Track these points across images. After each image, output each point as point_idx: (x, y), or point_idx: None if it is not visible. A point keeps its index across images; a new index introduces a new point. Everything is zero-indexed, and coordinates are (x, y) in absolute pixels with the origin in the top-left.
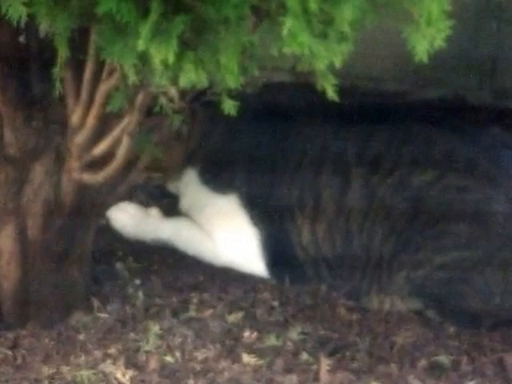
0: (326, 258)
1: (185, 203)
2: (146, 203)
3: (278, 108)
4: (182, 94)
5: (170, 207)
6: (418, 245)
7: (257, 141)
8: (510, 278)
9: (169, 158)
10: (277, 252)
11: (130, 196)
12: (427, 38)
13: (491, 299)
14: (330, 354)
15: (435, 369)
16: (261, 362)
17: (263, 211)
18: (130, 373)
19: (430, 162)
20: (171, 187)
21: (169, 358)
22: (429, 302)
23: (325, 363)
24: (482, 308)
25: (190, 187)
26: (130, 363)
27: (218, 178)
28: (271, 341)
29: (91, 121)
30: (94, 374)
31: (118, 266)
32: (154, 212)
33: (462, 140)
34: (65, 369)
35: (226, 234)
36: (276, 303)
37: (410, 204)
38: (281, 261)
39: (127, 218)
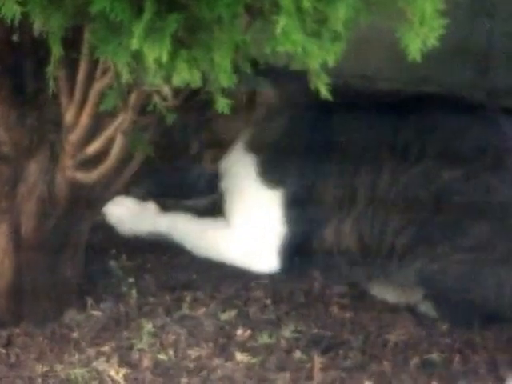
0: (348, 253)
1: (227, 183)
2: (142, 198)
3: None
4: (176, 92)
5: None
6: (438, 239)
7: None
8: None
9: (228, 132)
10: (295, 254)
11: (126, 191)
12: (420, 37)
13: (501, 300)
14: (323, 352)
15: (428, 367)
16: (254, 360)
17: (300, 214)
18: (124, 371)
19: (460, 155)
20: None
21: (162, 356)
22: (431, 294)
23: (318, 361)
24: (490, 307)
25: (241, 170)
26: (124, 361)
27: (271, 172)
28: (264, 339)
29: (85, 119)
30: (88, 371)
31: (112, 264)
32: (151, 206)
33: (492, 131)
34: (58, 367)
35: (251, 225)
36: (269, 301)
37: (435, 197)
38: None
39: (124, 212)
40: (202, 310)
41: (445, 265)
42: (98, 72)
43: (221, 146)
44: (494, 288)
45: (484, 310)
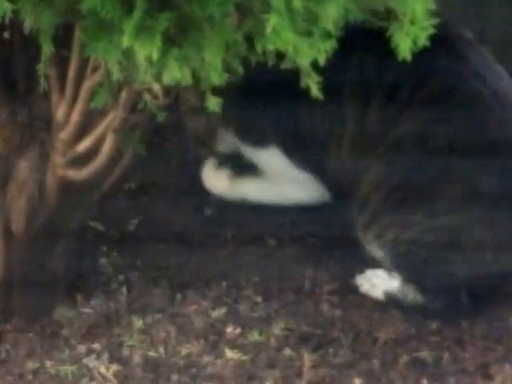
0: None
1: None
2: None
3: None
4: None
5: None
6: (413, 207)
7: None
8: (497, 245)
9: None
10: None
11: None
12: (411, 37)
13: (477, 266)
14: (313, 350)
15: (417, 364)
16: (244, 357)
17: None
18: (114, 367)
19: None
20: (224, 149)
21: (152, 353)
22: (410, 277)
23: (308, 359)
24: (467, 275)
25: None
26: (114, 358)
27: (253, 134)
28: (254, 336)
29: (75, 117)
30: (78, 368)
31: (102, 261)
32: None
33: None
34: (49, 363)
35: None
36: (259, 299)
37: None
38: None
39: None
40: (192, 308)
41: (417, 234)
42: (89, 70)
43: None
44: (474, 255)
45: (466, 278)
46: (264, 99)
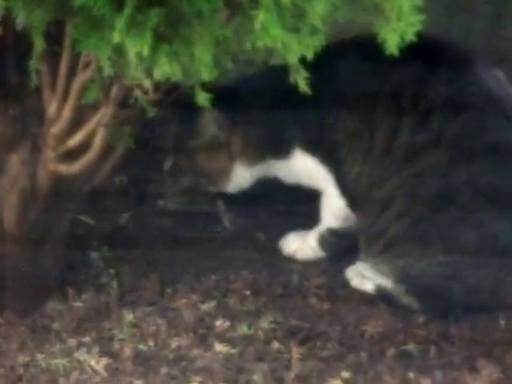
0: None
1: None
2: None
3: None
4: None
5: None
6: (429, 239)
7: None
8: (501, 281)
9: (212, 165)
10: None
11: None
12: (398, 32)
13: (480, 297)
14: (301, 343)
15: (404, 358)
16: (233, 350)
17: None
18: (105, 361)
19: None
20: (228, 189)
21: (142, 346)
22: (414, 292)
23: (296, 352)
24: (470, 305)
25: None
26: (104, 351)
27: (278, 145)
28: (243, 330)
29: (67, 112)
30: (69, 361)
31: (93, 255)
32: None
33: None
34: (40, 357)
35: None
36: (248, 293)
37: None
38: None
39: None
40: (182, 301)
41: (427, 266)
42: (80, 66)
43: None
44: (473, 289)
45: (464, 304)
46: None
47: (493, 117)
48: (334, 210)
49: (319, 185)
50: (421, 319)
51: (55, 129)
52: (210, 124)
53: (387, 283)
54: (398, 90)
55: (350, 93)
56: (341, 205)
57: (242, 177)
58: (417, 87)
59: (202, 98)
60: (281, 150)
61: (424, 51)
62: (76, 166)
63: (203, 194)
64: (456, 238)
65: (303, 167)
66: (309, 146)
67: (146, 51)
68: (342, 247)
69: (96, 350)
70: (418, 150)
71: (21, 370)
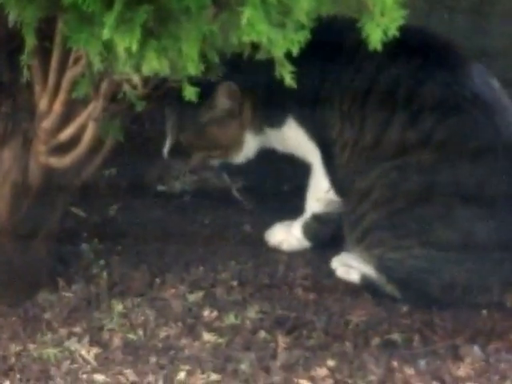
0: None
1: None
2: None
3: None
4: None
5: None
6: (406, 231)
7: None
8: (474, 278)
9: (225, 136)
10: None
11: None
12: (381, 27)
13: (453, 292)
14: (287, 333)
15: (388, 347)
16: (220, 339)
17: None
18: (95, 350)
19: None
20: (238, 159)
21: (132, 336)
22: (392, 280)
23: (282, 341)
24: (444, 297)
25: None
26: (95, 341)
27: (274, 114)
28: (230, 319)
29: (58, 107)
30: (60, 351)
31: (83, 246)
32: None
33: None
34: (31, 346)
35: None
36: (235, 283)
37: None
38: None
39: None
40: (170, 292)
41: (403, 257)
42: (71, 61)
43: None
44: (448, 284)
45: (441, 297)
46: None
47: (477, 116)
48: (318, 192)
49: (308, 158)
50: (405, 308)
51: (46, 123)
52: (223, 96)
53: (371, 272)
54: (390, 86)
55: (346, 78)
56: (325, 187)
57: (252, 146)
58: (409, 85)
59: (189, 93)
60: (276, 117)
61: (415, 46)
62: (67, 159)
63: (211, 171)
64: (432, 233)
65: (294, 136)
66: (301, 118)
67: (134, 47)
68: (326, 235)
69: (86, 339)
70: (404, 145)
71: (12, 360)
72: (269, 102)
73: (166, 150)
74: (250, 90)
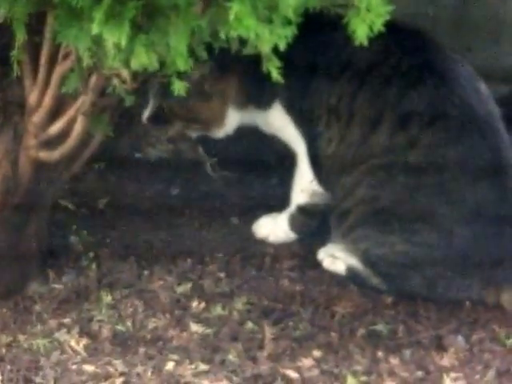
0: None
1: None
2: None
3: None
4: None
5: None
6: (390, 228)
7: None
8: (454, 275)
9: (208, 110)
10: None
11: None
12: (367, 23)
13: (435, 290)
14: (274, 324)
15: (373, 337)
16: (208, 330)
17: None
18: (84, 341)
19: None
20: (217, 134)
21: (121, 327)
22: (377, 273)
23: (269, 332)
24: (426, 293)
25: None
26: (84, 332)
27: (262, 96)
28: (218, 311)
29: (47, 101)
30: (50, 342)
31: (73, 239)
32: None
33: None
34: (21, 337)
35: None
36: (222, 275)
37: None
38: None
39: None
40: (158, 283)
41: (387, 253)
42: (60, 56)
43: None
44: (429, 282)
45: (423, 293)
46: None
47: (464, 123)
48: (302, 182)
49: (292, 146)
50: (390, 300)
51: (36, 117)
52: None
53: (357, 264)
54: (379, 86)
55: (335, 72)
56: (309, 178)
57: (234, 122)
58: (398, 87)
59: (178, 87)
60: (264, 99)
61: (405, 46)
62: (56, 153)
63: (188, 143)
64: (415, 231)
65: (279, 121)
66: (288, 104)
67: (123, 42)
68: (312, 227)
69: (76, 330)
70: (391, 146)
71: (3, 350)
72: (257, 81)
73: (145, 115)
74: (237, 65)
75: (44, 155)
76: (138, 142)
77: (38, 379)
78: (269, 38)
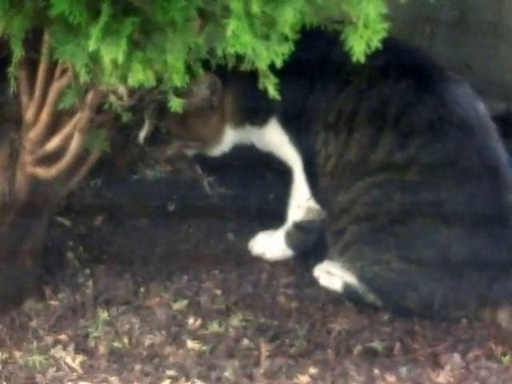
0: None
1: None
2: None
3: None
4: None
5: None
6: (386, 245)
7: None
8: (450, 293)
9: (205, 127)
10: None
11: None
12: (364, 39)
13: (431, 307)
14: (270, 340)
15: (369, 354)
16: (204, 347)
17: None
18: (80, 358)
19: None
20: (214, 152)
21: (117, 344)
22: (373, 290)
23: (265, 349)
24: (421, 311)
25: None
26: (80, 349)
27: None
28: (214, 328)
29: (44, 117)
30: (46, 358)
31: (69, 255)
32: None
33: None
34: (17, 354)
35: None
36: (219, 292)
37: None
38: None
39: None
40: (155, 300)
41: (382, 270)
42: (57, 72)
43: None
44: (425, 299)
45: (418, 311)
46: None
47: (462, 141)
48: (298, 199)
49: (288, 163)
50: (386, 317)
51: (33, 133)
52: (204, 88)
53: (353, 281)
54: (377, 105)
55: (333, 90)
56: (305, 194)
57: (230, 140)
58: (397, 106)
59: (175, 104)
60: (260, 115)
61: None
62: (53, 170)
63: (185, 161)
64: (411, 249)
65: (276, 138)
66: (285, 121)
67: (120, 58)
68: (308, 243)
69: (72, 347)
70: (388, 164)
71: None
72: (253, 98)
73: (142, 136)
74: (233, 83)
75: (41, 171)
76: (135, 164)
77: None
78: (266, 55)
